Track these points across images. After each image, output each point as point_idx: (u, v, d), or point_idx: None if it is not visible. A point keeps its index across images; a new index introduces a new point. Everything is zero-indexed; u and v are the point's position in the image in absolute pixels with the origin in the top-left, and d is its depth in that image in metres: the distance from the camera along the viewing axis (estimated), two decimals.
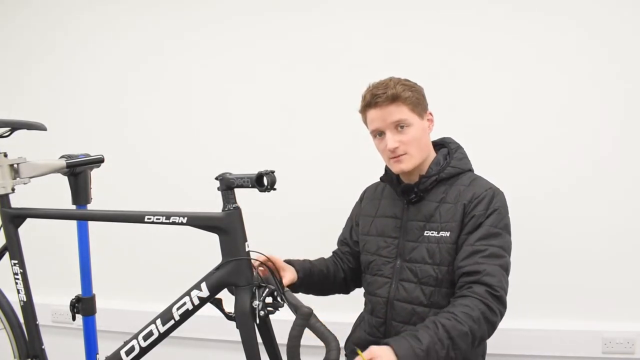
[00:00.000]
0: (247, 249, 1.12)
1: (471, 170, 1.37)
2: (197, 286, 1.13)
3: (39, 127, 1.41)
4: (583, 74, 1.75)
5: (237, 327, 1.10)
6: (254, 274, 1.13)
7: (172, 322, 1.13)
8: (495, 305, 1.14)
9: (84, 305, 1.47)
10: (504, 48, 1.80)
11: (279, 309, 1.10)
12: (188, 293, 1.13)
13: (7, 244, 1.39)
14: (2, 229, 1.39)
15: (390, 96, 1.27)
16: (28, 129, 1.38)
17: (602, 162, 1.74)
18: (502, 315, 1.16)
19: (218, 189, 1.13)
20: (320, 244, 1.56)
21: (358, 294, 1.47)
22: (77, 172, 1.42)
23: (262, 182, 1.07)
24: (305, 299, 1.09)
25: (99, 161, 1.44)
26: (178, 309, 1.13)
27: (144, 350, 1.15)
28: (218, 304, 1.16)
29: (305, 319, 0.99)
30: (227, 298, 1.15)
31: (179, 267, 1.89)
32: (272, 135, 2.04)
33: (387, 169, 1.42)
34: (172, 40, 2.16)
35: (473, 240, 1.22)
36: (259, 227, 1.34)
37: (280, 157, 1.98)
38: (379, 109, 1.28)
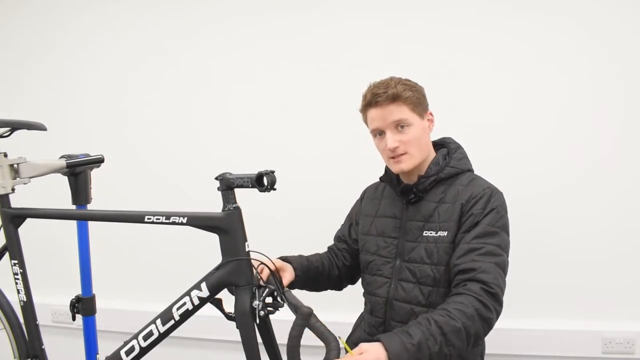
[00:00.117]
0: (247, 249, 1.12)
1: (470, 170, 1.37)
2: (197, 286, 1.13)
3: (39, 127, 1.41)
4: (583, 74, 1.75)
5: (237, 327, 1.10)
6: (254, 274, 1.13)
7: (172, 322, 1.13)
8: (490, 302, 1.13)
9: (84, 305, 1.47)
10: (504, 48, 1.80)
11: (279, 309, 1.10)
12: (188, 293, 1.13)
13: (7, 244, 1.39)
14: (2, 229, 1.39)
15: (391, 96, 1.27)
16: (28, 129, 1.38)
17: (602, 161, 1.74)
18: (497, 313, 1.16)
19: (218, 189, 1.13)
20: (320, 244, 1.55)
21: (358, 294, 1.47)
22: (77, 172, 1.42)
23: (262, 182, 1.07)
24: (306, 299, 1.09)
25: (99, 161, 1.44)
26: (178, 309, 1.13)
27: (144, 350, 1.15)
28: (218, 304, 1.16)
29: (305, 319, 0.99)
30: (227, 298, 1.15)
31: (179, 267, 1.89)
32: (272, 135, 2.04)
33: (387, 169, 1.43)
34: (172, 40, 2.16)
35: (469, 238, 1.22)
36: (259, 227, 1.34)
37: (280, 157, 1.98)
38: (380, 108, 1.29)
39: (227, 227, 1.11)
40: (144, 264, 2.20)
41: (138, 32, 2.21)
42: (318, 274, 1.42)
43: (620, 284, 1.73)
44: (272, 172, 1.09)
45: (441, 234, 1.27)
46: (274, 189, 1.09)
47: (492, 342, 1.37)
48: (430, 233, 1.28)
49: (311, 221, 1.93)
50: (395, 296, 1.31)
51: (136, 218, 1.19)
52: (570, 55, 1.75)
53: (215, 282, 1.12)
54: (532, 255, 1.74)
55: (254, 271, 1.14)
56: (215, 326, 1.93)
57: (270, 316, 1.10)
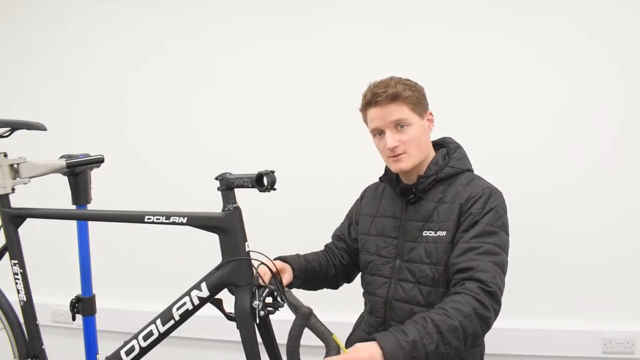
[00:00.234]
0: (247, 249, 1.12)
1: (470, 170, 1.37)
2: (197, 286, 1.13)
3: (39, 127, 1.41)
4: (583, 74, 1.75)
5: (237, 327, 1.10)
6: (254, 274, 1.13)
7: (172, 322, 1.13)
8: (487, 301, 1.12)
9: (84, 305, 1.47)
10: (504, 48, 1.80)
11: (279, 309, 1.10)
12: (188, 293, 1.13)
13: (7, 244, 1.39)
14: (2, 229, 1.39)
15: (391, 95, 1.27)
16: (28, 129, 1.38)
17: (602, 161, 1.74)
18: (496, 312, 1.15)
19: (218, 189, 1.13)
20: (320, 244, 1.56)
21: (358, 294, 1.46)
22: (77, 172, 1.42)
23: (262, 182, 1.07)
24: (306, 299, 1.09)
25: (99, 161, 1.44)
26: (178, 309, 1.13)
27: (144, 350, 1.15)
28: (218, 304, 1.16)
29: (304, 319, 0.99)
30: (227, 298, 1.15)
31: (179, 267, 1.89)
32: (272, 135, 2.04)
33: (386, 169, 1.43)
34: (171, 40, 2.16)
35: (468, 237, 1.22)
36: (259, 227, 1.34)
37: (280, 157, 1.98)
38: (379, 107, 1.29)
39: (227, 227, 1.11)
40: (144, 264, 2.20)
41: (138, 32, 2.20)
42: (315, 273, 1.42)
43: (620, 284, 1.73)
44: (272, 172, 1.09)
45: (440, 234, 1.26)
46: (274, 189, 1.09)
47: (492, 342, 1.37)
48: (430, 233, 1.28)
49: (311, 221, 1.93)
50: (394, 296, 1.31)
51: (136, 218, 1.19)
52: (570, 55, 1.75)
53: (215, 282, 1.12)
54: (532, 255, 1.74)
55: (254, 271, 1.14)
56: (215, 326, 1.93)
57: (270, 316, 1.10)
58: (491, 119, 1.81)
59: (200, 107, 2.13)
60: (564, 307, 1.77)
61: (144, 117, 2.20)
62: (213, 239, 1.13)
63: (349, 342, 1.45)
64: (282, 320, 1.12)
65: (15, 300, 1.42)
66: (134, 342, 1.15)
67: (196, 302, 1.12)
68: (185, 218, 1.13)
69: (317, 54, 1.98)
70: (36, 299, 1.42)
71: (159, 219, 1.15)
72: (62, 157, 1.41)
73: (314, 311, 1.02)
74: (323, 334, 0.98)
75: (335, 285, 1.52)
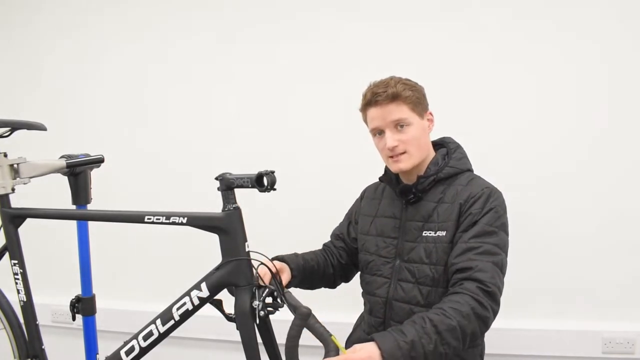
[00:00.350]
0: (247, 249, 1.12)
1: (470, 170, 1.37)
2: (197, 286, 1.13)
3: (39, 127, 1.41)
4: (584, 74, 1.74)
5: (237, 328, 1.10)
6: (254, 274, 1.13)
7: (172, 322, 1.13)
8: (486, 301, 1.12)
9: (84, 305, 1.47)
10: (505, 48, 1.80)
11: (279, 309, 1.10)
12: (188, 293, 1.13)
13: (7, 244, 1.39)
14: (2, 229, 1.39)
15: (391, 95, 1.27)
16: (28, 129, 1.38)
17: (603, 162, 1.73)
18: (495, 312, 1.15)
19: (218, 189, 1.13)
20: (319, 243, 1.55)
21: (358, 294, 1.46)
22: (77, 172, 1.42)
23: (262, 182, 1.07)
24: (306, 299, 1.09)
25: (99, 161, 1.44)
26: (178, 309, 1.13)
27: (144, 350, 1.15)
28: (218, 305, 1.16)
29: (303, 319, 0.99)
30: (228, 299, 1.15)
31: (179, 267, 1.89)
32: (273, 135, 2.04)
33: (386, 169, 1.42)
34: (172, 41, 2.16)
35: (467, 237, 1.21)
36: (259, 227, 1.34)
37: (280, 157, 1.98)
38: (379, 107, 1.29)
39: (227, 227, 1.11)
40: (144, 264, 2.20)
41: (138, 32, 2.20)
42: (313, 272, 1.42)
43: (620, 284, 1.73)
44: (272, 172, 1.09)
45: (440, 234, 1.26)
46: (274, 189, 1.09)
47: (492, 342, 1.37)
48: (430, 233, 1.28)
49: (311, 221, 1.93)
50: (394, 296, 1.31)
51: (136, 218, 1.19)
52: (570, 55, 1.75)
53: (215, 282, 1.12)
54: (532, 255, 1.74)
55: (254, 272, 1.14)
56: (215, 326, 1.93)
57: (270, 316, 1.10)
58: (491, 119, 1.81)
59: (200, 107, 2.13)
60: (564, 307, 1.78)
61: (144, 117, 2.20)
62: (213, 239, 1.13)
63: (349, 343, 1.45)
64: (282, 320, 1.11)
65: (15, 300, 1.42)
66: (134, 342, 1.15)
67: (196, 302, 1.12)
68: (185, 218, 1.13)
69: (318, 53, 1.98)
70: (36, 299, 1.42)
71: (159, 219, 1.15)
72: (62, 157, 1.41)
73: (314, 312, 1.02)
74: (322, 335, 0.98)
75: (333, 285, 1.51)
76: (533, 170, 1.78)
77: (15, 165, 1.37)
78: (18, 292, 1.39)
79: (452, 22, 1.85)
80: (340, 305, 1.61)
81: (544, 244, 1.77)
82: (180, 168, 2.15)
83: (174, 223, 1.14)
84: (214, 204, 1.18)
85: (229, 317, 1.14)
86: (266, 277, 1.18)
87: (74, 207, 1.45)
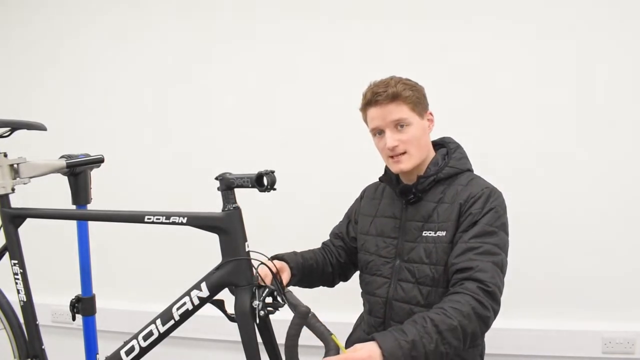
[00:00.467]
0: (247, 249, 1.12)
1: (470, 170, 1.37)
2: (197, 286, 1.13)
3: (39, 127, 1.41)
4: (585, 75, 1.75)
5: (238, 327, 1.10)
6: (254, 274, 1.13)
7: (172, 322, 1.13)
8: (487, 301, 1.12)
9: (84, 305, 1.47)
10: (506, 48, 1.80)
11: (279, 309, 1.10)
12: (188, 293, 1.13)
13: (7, 244, 1.39)
14: (2, 229, 1.39)
15: (391, 95, 1.27)
16: (28, 129, 1.38)
17: (603, 163, 1.74)
18: (495, 312, 1.15)
19: (218, 189, 1.13)
20: (319, 243, 1.55)
21: (358, 294, 1.46)
22: (77, 172, 1.42)
23: (262, 182, 1.07)
24: (307, 299, 1.08)
25: (99, 161, 1.44)
26: (178, 309, 1.13)
27: (144, 350, 1.15)
28: (220, 305, 1.15)
29: (302, 318, 0.99)
30: (230, 299, 1.15)
31: (179, 267, 1.89)
32: (273, 134, 2.04)
33: (386, 169, 1.42)
34: (171, 41, 2.16)
35: (467, 237, 1.21)
36: (259, 227, 1.34)
37: (280, 157, 1.98)
38: (379, 107, 1.28)
39: (227, 227, 1.11)
40: (144, 264, 2.20)
41: (138, 32, 2.21)
42: (312, 270, 1.41)
43: (620, 284, 1.73)
44: (272, 172, 1.09)
45: (440, 234, 1.26)
46: (274, 189, 1.09)
47: (492, 342, 1.37)
48: (430, 233, 1.28)
49: (311, 221, 1.93)
50: (394, 296, 1.30)
51: (136, 218, 1.19)
52: (572, 56, 1.75)
53: (215, 282, 1.12)
54: (532, 255, 1.74)
55: (254, 272, 1.14)
56: (215, 326, 1.93)
57: (270, 316, 1.10)
58: (492, 119, 1.81)
59: (200, 107, 2.14)
60: (564, 307, 1.78)
61: (144, 117, 2.21)
62: (213, 239, 1.13)
63: (349, 342, 1.45)
64: (282, 320, 1.12)
65: (15, 300, 1.42)
66: (134, 342, 1.15)
67: (196, 302, 1.12)
68: (185, 218, 1.13)
69: (318, 53, 1.99)
70: (36, 299, 1.42)
71: (159, 219, 1.15)
72: (62, 157, 1.41)
73: (314, 311, 1.01)
74: (322, 334, 0.98)
75: (331, 284, 1.51)
76: (533, 170, 1.78)
77: (15, 165, 1.37)
78: (18, 292, 1.39)
79: (452, 22, 1.84)
80: (340, 305, 1.61)
81: (543, 244, 1.77)
82: (180, 168, 2.15)
83: (174, 223, 1.14)
84: (214, 204, 1.18)
85: (231, 317, 1.14)
86: (267, 278, 1.18)
87: (74, 207, 1.45)
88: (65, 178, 1.44)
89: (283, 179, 1.22)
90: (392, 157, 1.30)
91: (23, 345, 1.42)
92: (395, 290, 1.31)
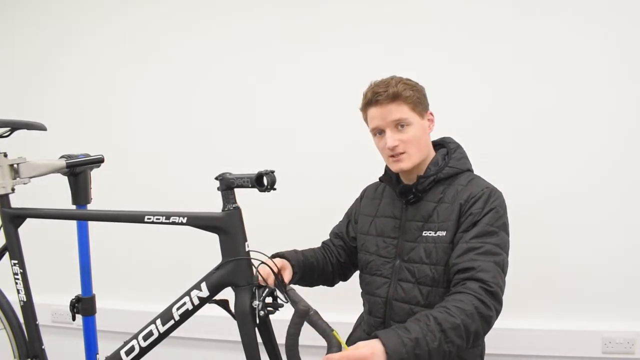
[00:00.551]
0: (247, 249, 1.12)
1: (470, 170, 1.37)
2: (197, 286, 1.13)
3: (39, 127, 1.41)
4: (586, 75, 1.74)
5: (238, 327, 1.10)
6: (255, 273, 1.13)
7: (172, 322, 1.13)
8: (489, 300, 1.12)
9: (84, 305, 1.47)
10: (506, 48, 1.80)
11: (279, 308, 1.10)
12: (188, 293, 1.13)
13: (7, 244, 1.39)
14: (2, 229, 1.39)
15: (391, 94, 1.27)
16: (28, 129, 1.38)
17: (603, 163, 1.74)
18: (497, 312, 1.15)
19: (218, 189, 1.13)
20: (318, 243, 1.55)
21: (358, 293, 1.46)
22: (77, 172, 1.42)
23: (262, 182, 1.07)
24: (307, 299, 1.08)
25: (99, 161, 1.44)
26: (178, 309, 1.13)
27: (144, 350, 1.15)
28: (225, 305, 1.15)
29: (301, 317, 0.98)
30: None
31: (179, 267, 1.90)
32: (273, 134, 2.04)
33: (386, 169, 1.43)
34: (172, 41, 2.16)
35: (468, 237, 1.21)
36: (259, 227, 1.33)
37: (280, 157, 1.98)
38: (380, 107, 1.29)
39: (227, 227, 1.11)
40: (143, 264, 2.20)
41: (138, 32, 2.21)
42: (312, 269, 1.41)
43: (620, 284, 1.73)
44: (272, 172, 1.09)
45: (440, 234, 1.26)
46: (274, 189, 1.09)
47: (492, 342, 1.37)
48: (430, 233, 1.28)
49: (311, 221, 1.92)
50: (394, 296, 1.30)
51: (136, 218, 1.19)
52: (573, 56, 1.75)
53: (215, 282, 1.12)
54: (532, 255, 1.74)
55: (255, 272, 1.13)
56: (215, 326, 1.94)
57: (270, 316, 1.10)
58: (492, 119, 1.81)
59: (200, 107, 2.14)
60: (564, 307, 1.78)
61: (144, 117, 2.21)
62: (213, 239, 1.13)
63: (349, 342, 1.45)
64: (282, 320, 1.11)
65: (15, 300, 1.42)
66: (134, 342, 1.15)
67: (196, 302, 1.12)
68: (185, 218, 1.13)
69: (318, 53, 1.98)
70: (36, 299, 1.42)
71: (159, 219, 1.15)
72: (62, 157, 1.41)
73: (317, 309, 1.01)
74: (324, 330, 0.97)
75: (331, 283, 1.51)
76: (533, 170, 1.78)
77: (15, 165, 1.37)
78: (18, 292, 1.39)
79: (452, 22, 1.85)
80: (340, 305, 1.61)
81: (543, 244, 1.77)
82: (180, 168, 2.15)
83: (174, 223, 1.14)
84: (214, 204, 1.18)
85: (235, 317, 1.14)
86: (270, 278, 1.18)
87: (74, 207, 1.45)
88: (65, 178, 1.44)
89: (283, 179, 1.22)
90: (392, 156, 1.30)
91: (23, 345, 1.42)
92: (395, 290, 1.31)
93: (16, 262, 1.39)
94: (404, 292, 1.29)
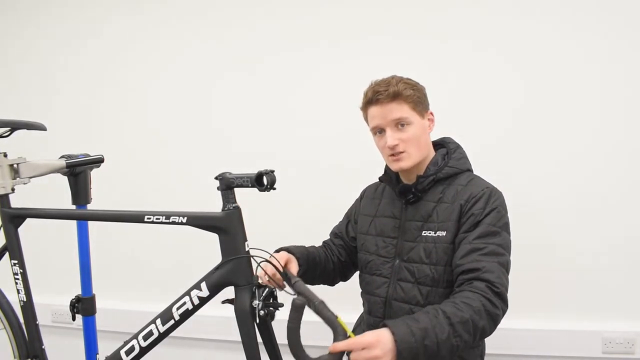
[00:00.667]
0: (247, 249, 1.12)
1: (470, 170, 1.37)
2: (197, 286, 1.13)
3: (39, 127, 1.42)
4: (586, 75, 1.74)
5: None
6: (255, 273, 1.13)
7: (172, 322, 1.14)
8: (496, 300, 1.12)
9: (84, 305, 1.47)
10: (507, 48, 1.80)
11: (279, 308, 1.10)
12: (188, 293, 1.13)
13: (7, 244, 1.39)
14: (2, 229, 1.39)
15: (392, 94, 1.27)
16: (28, 129, 1.38)
17: (604, 163, 1.73)
18: (503, 311, 1.15)
19: (218, 188, 1.13)
20: (318, 243, 1.55)
21: (358, 293, 1.46)
22: (77, 172, 1.42)
23: (262, 181, 1.07)
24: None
25: (99, 161, 1.44)
26: (178, 308, 1.13)
27: (144, 350, 1.15)
28: (233, 303, 1.15)
29: (297, 310, 0.97)
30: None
31: (179, 267, 1.90)
32: (272, 134, 2.04)
33: (386, 169, 1.43)
34: (172, 41, 2.16)
35: (471, 238, 1.21)
36: (259, 227, 1.33)
37: (280, 156, 1.98)
38: (380, 106, 1.29)
39: (227, 226, 1.11)
40: (144, 264, 2.20)
41: (139, 32, 2.21)
42: (316, 264, 1.40)
43: (620, 284, 1.73)
44: (272, 171, 1.09)
45: (440, 234, 1.26)
46: (274, 189, 1.09)
47: (492, 342, 1.36)
48: (429, 233, 1.28)
49: (311, 221, 1.92)
50: (394, 296, 1.30)
51: (136, 218, 1.19)
52: (574, 56, 1.75)
53: (215, 281, 1.12)
54: (532, 255, 1.74)
55: (260, 270, 1.13)
56: (215, 326, 1.94)
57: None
58: (492, 119, 1.81)
59: (200, 106, 2.13)
60: (564, 307, 1.77)
61: (144, 116, 2.20)
62: (213, 238, 1.13)
63: None
64: (282, 320, 1.11)
65: (15, 300, 1.42)
66: (134, 342, 1.15)
67: (196, 301, 1.12)
68: (185, 218, 1.14)
69: (318, 52, 1.98)
70: (36, 299, 1.42)
71: (159, 218, 1.15)
72: (62, 157, 1.41)
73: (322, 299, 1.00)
74: (330, 319, 0.96)
75: (331, 282, 1.51)
76: (533, 170, 1.78)
77: (15, 165, 1.37)
78: (18, 292, 1.39)
79: (453, 22, 1.84)
80: (340, 305, 1.59)
81: (543, 244, 1.77)
82: (180, 168, 2.15)
83: (173, 223, 1.14)
84: (214, 204, 1.18)
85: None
86: (275, 277, 1.17)
87: (74, 207, 1.45)
88: (65, 178, 1.44)
89: (283, 179, 1.22)
90: (392, 155, 1.30)
91: (23, 345, 1.42)
92: (394, 290, 1.31)
93: (16, 262, 1.39)
94: (404, 292, 1.29)
